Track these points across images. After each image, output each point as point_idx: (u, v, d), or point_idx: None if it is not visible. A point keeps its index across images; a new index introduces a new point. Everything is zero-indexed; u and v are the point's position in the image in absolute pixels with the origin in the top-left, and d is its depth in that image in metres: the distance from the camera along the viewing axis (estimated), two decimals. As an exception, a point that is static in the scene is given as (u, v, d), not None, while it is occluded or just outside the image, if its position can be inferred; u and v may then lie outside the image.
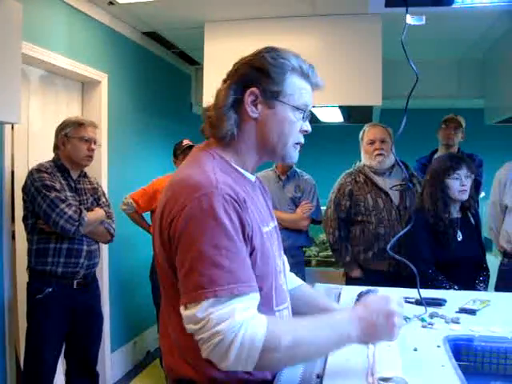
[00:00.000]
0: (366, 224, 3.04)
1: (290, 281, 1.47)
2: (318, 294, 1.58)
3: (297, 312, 1.41)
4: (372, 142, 3.08)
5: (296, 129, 1.23)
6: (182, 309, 1.06)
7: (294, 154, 1.26)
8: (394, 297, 1.16)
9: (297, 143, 1.25)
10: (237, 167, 1.22)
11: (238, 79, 1.20)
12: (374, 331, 1.11)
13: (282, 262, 1.33)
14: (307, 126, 1.26)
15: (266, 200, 1.37)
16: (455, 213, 2.54)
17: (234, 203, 1.07)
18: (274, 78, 1.18)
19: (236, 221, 1.07)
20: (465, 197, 2.50)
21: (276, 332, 1.04)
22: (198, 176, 1.11)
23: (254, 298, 1.08)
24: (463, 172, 2.47)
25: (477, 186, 3.31)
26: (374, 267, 3.02)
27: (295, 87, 1.20)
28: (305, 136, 1.28)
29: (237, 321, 1.01)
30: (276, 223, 1.37)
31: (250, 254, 1.12)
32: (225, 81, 1.24)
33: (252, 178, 1.28)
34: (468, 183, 2.49)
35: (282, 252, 1.38)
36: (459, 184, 2.47)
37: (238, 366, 1.03)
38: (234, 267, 1.04)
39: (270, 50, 1.21)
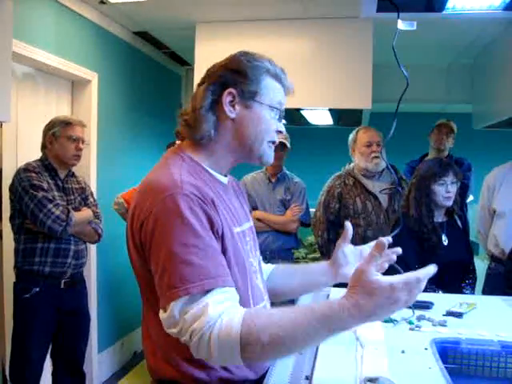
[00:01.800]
0: (354, 227, 3.05)
1: (265, 269, 1.47)
2: (295, 267, 1.61)
3: (276, 288, 1.43)
4: (369, 145, 3.10)
5: (272, 127, 1.25)
6: (161, 313, 1.06)
7: (270, 154, 1.27)
8: (406, 280, 0.96)
9: (272, 142, 1.27)
10: (208, 169, 1.23)
11: (215, 81, 1.21)
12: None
13: (257, 261, 1.33)
14: (281, 127, 1.28)
15: (241, 201, 1.37)
16: (440, 217, 2.55)
17: (199, 201, 1.08)
18: (252, 78, 1.21)
19: (203, 217, 1.08)
20: (449, 203, 2.51)
21: (254, 317, 1.01)
22: (163, 178, 1.12)
23: (229, 291, 1.06)
24: (449, 178, 2.48)
25: (464, 190, 3.33)
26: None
27: (270, 88, 1.24)
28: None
29: (210, 316, 1.00)
30: (252, 223, 1.38)
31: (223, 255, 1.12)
32: (200, 84, 1.25)
33: (224, 180, 1.28)
34: (453, 190, 2.50)
35: (258, 252, 1.38)
36: (445, 190, 2.48)
37: (226, 359, 1.02)
38: (203, 263, 1.04)
39: (243, 53, 1.25)
